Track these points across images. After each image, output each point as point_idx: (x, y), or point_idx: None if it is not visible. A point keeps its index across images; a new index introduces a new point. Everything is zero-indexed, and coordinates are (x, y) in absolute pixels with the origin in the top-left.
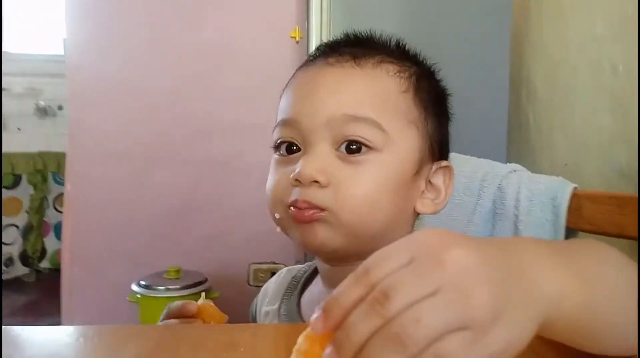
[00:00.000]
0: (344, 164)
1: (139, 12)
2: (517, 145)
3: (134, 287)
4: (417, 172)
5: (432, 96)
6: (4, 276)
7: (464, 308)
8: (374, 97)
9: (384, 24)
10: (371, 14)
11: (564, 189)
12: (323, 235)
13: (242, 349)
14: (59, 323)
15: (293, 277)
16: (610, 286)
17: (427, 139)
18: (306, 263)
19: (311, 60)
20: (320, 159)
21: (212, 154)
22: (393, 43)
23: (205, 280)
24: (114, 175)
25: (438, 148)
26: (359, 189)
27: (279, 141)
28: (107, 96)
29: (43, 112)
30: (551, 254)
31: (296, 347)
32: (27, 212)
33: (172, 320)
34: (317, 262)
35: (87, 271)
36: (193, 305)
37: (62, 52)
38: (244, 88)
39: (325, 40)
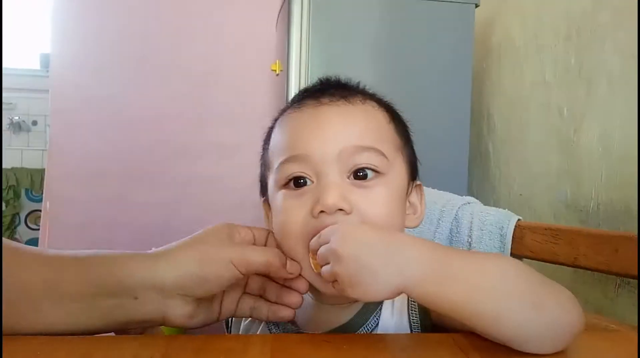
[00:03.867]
0: (358, 190)
1: (125, 30)
2: (478, 175)
3: None
4: (408, 192)
5: (404, 126)
6: None
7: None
8: (372, 128)
9: (357, 61)
10: (345, 51)
11: (510, 220)
12: None
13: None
14: None
15: None
16: (478, 284)
17: (407, 163)
18: None
19: (297, 102)
20: (339, 187)
21: (194, 174)
22: (361, 86)
23: None
24: (94, 194)
25: (413, 171)
26: (379, 209)
27: (286, 179)
28: (89, 114)
29: (17, 127)
30: (431, 248)
31: None
32: None
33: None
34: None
35: None
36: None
37: (37, 67)
38: (226, 112)
39: (303, 74)
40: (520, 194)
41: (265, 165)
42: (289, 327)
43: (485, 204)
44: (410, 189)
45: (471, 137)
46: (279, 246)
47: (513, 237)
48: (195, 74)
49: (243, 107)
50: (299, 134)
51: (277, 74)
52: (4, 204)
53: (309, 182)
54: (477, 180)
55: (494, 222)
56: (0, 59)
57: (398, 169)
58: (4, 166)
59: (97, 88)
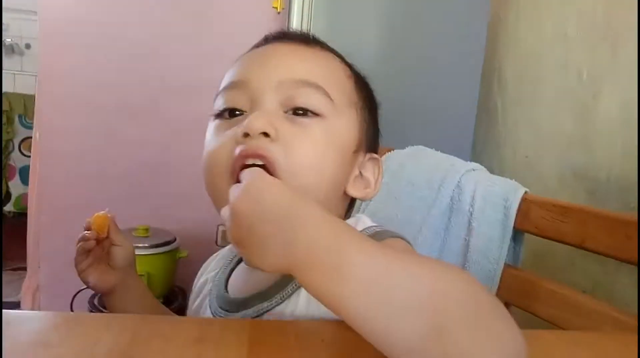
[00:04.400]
0: (291, 124)
1: None
2: (483, 132)
3: None
4: (356, 151)
5: (367, 94)
6: None
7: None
8: (323, 69)
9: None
10: None
11: (516, 192)
12: None
13: (209, 344)
14: (24, 269)
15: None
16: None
17: (363, 126)
18: None
19: (258, 45)
20: (269, 114)
21: (187, 112)
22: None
23: (174, 240)
24: (85, 125)
25: (371, 141)
26: (308, 149)
27: (223, 107)
28: (81, 40)
29: (9, 50)
30: (336, 233)
31: None
32: None
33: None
34: None
35: (54, 220)
36: (87, 222)
37: None
38: (223, 50)
39: (307, 12)
40: (526, 157)
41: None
42: (222, 292)
43: (487, 165)
44: (362, 158)
45: (480, 92)
46: (207, 189)
47: (518, 210)
48: (193, 9)
49: (241, 46)
50: (241, 65)
51: (279, 12)
52: None
53: (243, 114)
54: (481, 138)
55: (499, 193)
56: (0, 61)
57: (346, 121)
58: None
59: (89, 13)
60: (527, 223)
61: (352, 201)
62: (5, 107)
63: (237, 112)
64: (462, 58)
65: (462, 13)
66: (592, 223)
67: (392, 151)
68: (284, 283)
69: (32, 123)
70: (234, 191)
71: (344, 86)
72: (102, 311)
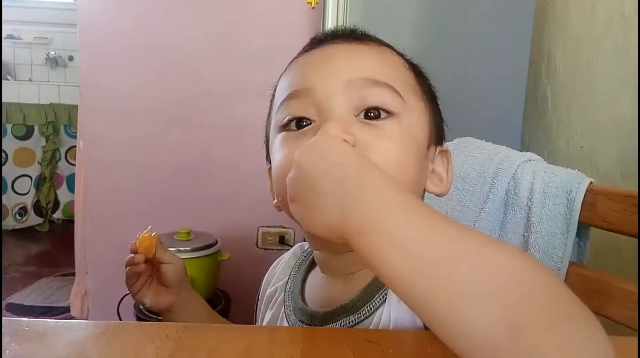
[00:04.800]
0: (367, 128)
1: None
2: (532, 123)
3: None
4: (429, 146)
5: (427, 84)
6: (19, 225)
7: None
8: (386, 66)
9: None
10: None
11: (580, 183)
12: None
13: (258, 355)
14: (72, 274)
15: (304, 251)
16: (442, 252)
17: (431, 119)
18: None
19: (310, 48)
20: (344, 120)
21: (226, 116)
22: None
23: (216, 242)
24: (126, 134)
25: (438, 133)
26: (389, 151)
27: (288, 118)
28: (120, 51)
29: (54, 62)
30: (405, 203)
31: None
32: (39, 163)
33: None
34: (314, 252)
35: (99, 227)
36: (133, 245)
37: (72, 0)
38: (260, 51)
39: (342, 7)
40: (582, 147)
41: (269, 123)
42: (299, 303)
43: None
44: (433, 153)
45: (528, 81)
46: (281, 205)
47: (583, 203)
48: (227, 10)
49: (276, 45)
50: (302, 71)
51: (313, 7)
52: (44, 140)
53: (312, 124)
54: (530, 129)
55: (561, 184)
56: (0, 64)
57: (417, 115)
58: (42, 101)
59: (127, 23)
60: (594, 217)
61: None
62: (51, 118)
63: (303, 123)
64: (507, 47)
65: (506, 0)
66: None
67: None
68: (370, 295)
69: (76, 132)
70: (297, 152)
71: (407, 80)
72: (149, 316)
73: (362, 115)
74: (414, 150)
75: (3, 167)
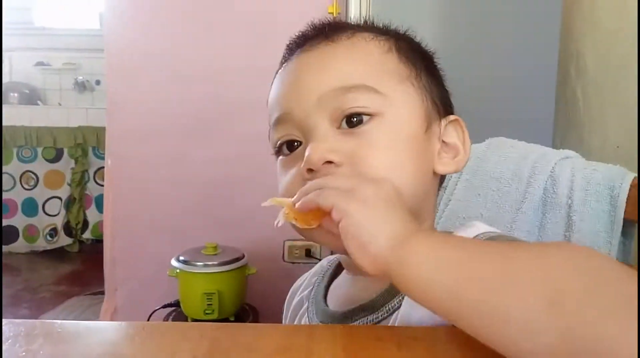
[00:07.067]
0: (351, 138)
1: None
2: (564, 123)
3: (174, 262)
4: (427, 129)
5: (417, 54)
6: (50, 246)
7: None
8: (358, 63)
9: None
10: None
11: (623, 178)
12: None
13: (297, 354)
14: (102, 293)
15: (329, 262)
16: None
17: (426, 95)
18: None
19: (285, 59)
20: (326, 139)
21: (251, 131)
22: (362, 22)
23: (243, 256)
24: (153, 151)
25: (442, 105)
26: (376, 159)
27: (278, 143)
28: (144, 72)
29: (82, 87)
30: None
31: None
32: (68, 185)
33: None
34: (341, 257)
35: (128, 244)
36: None
37: (98, 27)
38: None
39: (364, 16)
40: (617, 147)
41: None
42: (321, 306)
43: None
44: (439, 128)
45: (557, 80)
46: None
47: (628, 199)
48: (249, 23)
49: None
50: (279, 93)
51: (335, 17)
52: (73, 162)
53: (302, 144)
54: (561, 129)
55: (603, 180)
56: (0, 61)
57: (404, 104)
58: (71, 124)
59: (151, 45)
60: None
61: (442, 177)
62: (79, 140)
63: (295, 143)
64: (534, 46)
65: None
66: None
67: None
68: (391, 296)
69: (104, 154)
70: (347, 182)
71: (386, 66)
72: None
73: (344, 123)
74: (407, 144)
75: (34, 190)
